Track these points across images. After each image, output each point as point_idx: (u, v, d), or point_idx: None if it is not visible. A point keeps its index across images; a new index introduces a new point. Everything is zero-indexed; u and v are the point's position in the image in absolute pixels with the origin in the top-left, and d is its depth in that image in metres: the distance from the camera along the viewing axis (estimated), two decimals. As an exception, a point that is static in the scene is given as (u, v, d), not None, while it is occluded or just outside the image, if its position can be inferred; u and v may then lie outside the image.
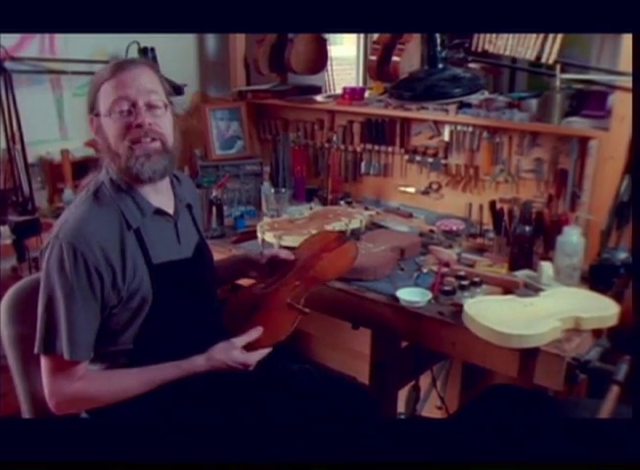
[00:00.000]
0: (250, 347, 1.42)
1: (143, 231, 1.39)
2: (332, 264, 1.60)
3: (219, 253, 2.03)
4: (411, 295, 1.71)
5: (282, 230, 2.11)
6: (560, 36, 1.95)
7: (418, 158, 2.49)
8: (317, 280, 1.56)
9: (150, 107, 1.35)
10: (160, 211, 1.44)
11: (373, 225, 2.33)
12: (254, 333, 1.42)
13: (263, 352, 1.42)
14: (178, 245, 1.48)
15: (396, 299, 1.71)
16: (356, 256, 1.67)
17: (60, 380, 1.32)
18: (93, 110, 1.38)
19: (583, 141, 2.00)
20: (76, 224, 1.32)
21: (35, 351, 1.32)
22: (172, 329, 1.40)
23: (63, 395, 1.33)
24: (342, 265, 1.63)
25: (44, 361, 1.33)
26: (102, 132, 1.38)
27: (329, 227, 2.13)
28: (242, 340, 1.41)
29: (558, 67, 1.96)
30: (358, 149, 2.68)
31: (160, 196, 1.45)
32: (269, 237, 2.09)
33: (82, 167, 2.59)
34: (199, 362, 1.38)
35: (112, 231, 1.34)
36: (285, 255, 1.64)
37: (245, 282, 1.81)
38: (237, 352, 1.39)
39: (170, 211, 1.48)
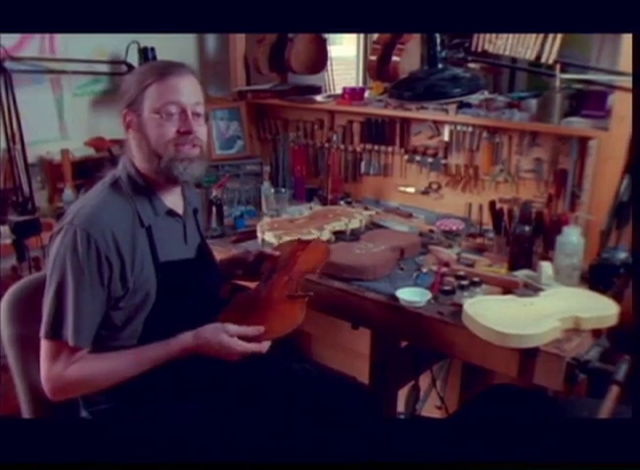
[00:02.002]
0: (267, 334, 1.40)
1: (154, 229, 1.42)
2: (310, 257, 1.70)
3: (219, 252, 2.02)
4: (411, 295, 1.71)
5: (282, 230, 2.11)
6: (560, 36, 1.95)
7: (418, 158, 2.49)
8: (303, 272, 1.63)
9: (195, 115, 1.43)
10: (171, 212, 1.49)
11: (373, 225, 2.33)
12: (252, 330, 1.39)
13: (255, 346, 1.39)
14: (185, 245, 1.52)
15: (396, 298, 1.71)
16: (327, 247, 1.80)
17: (58, 365, 1.33)
18: (131, 106, 1.41)
19: (583, 141, 2.00)
20: (92, 212, 1.35)
21: (41, 335, 1.34)
22: (173, 327, 1.40)
23: (60, 379, 1.33)
24: (319, 256, 1.74)
25: (45, 346, 1.34)
26: (140, 129, 1.41)
27: (328, 227, 2.14)
28: (236, 329, 1.38)
29: (558, 66, 1.95)
30: (358, 149, 2.67)
31: (172, 197, 1.50)
32: (269, 237, 2.09)
33: (82, 167, 2.60)
34: (185, 339, 1.38)
35: (125, 224, 1.38)
36: (269, 252, 1.72)
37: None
38: (226, 336, 1.36)
39: (180, 212, 1.52)
